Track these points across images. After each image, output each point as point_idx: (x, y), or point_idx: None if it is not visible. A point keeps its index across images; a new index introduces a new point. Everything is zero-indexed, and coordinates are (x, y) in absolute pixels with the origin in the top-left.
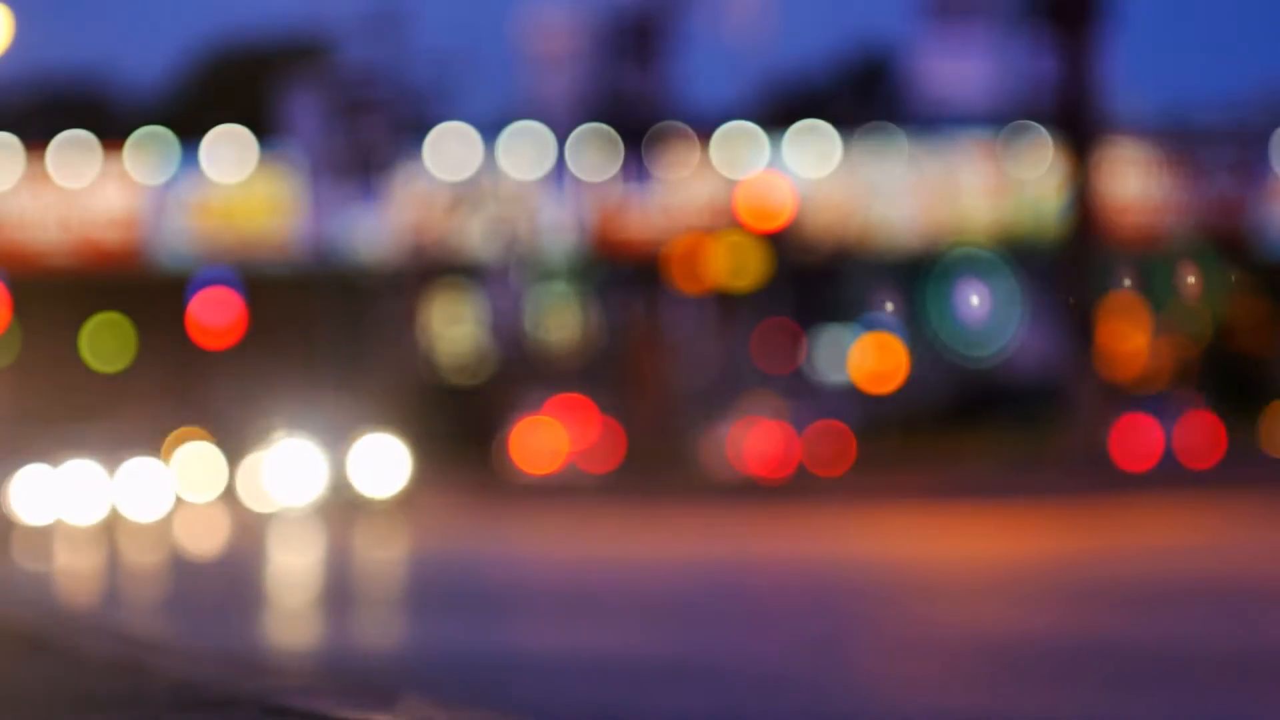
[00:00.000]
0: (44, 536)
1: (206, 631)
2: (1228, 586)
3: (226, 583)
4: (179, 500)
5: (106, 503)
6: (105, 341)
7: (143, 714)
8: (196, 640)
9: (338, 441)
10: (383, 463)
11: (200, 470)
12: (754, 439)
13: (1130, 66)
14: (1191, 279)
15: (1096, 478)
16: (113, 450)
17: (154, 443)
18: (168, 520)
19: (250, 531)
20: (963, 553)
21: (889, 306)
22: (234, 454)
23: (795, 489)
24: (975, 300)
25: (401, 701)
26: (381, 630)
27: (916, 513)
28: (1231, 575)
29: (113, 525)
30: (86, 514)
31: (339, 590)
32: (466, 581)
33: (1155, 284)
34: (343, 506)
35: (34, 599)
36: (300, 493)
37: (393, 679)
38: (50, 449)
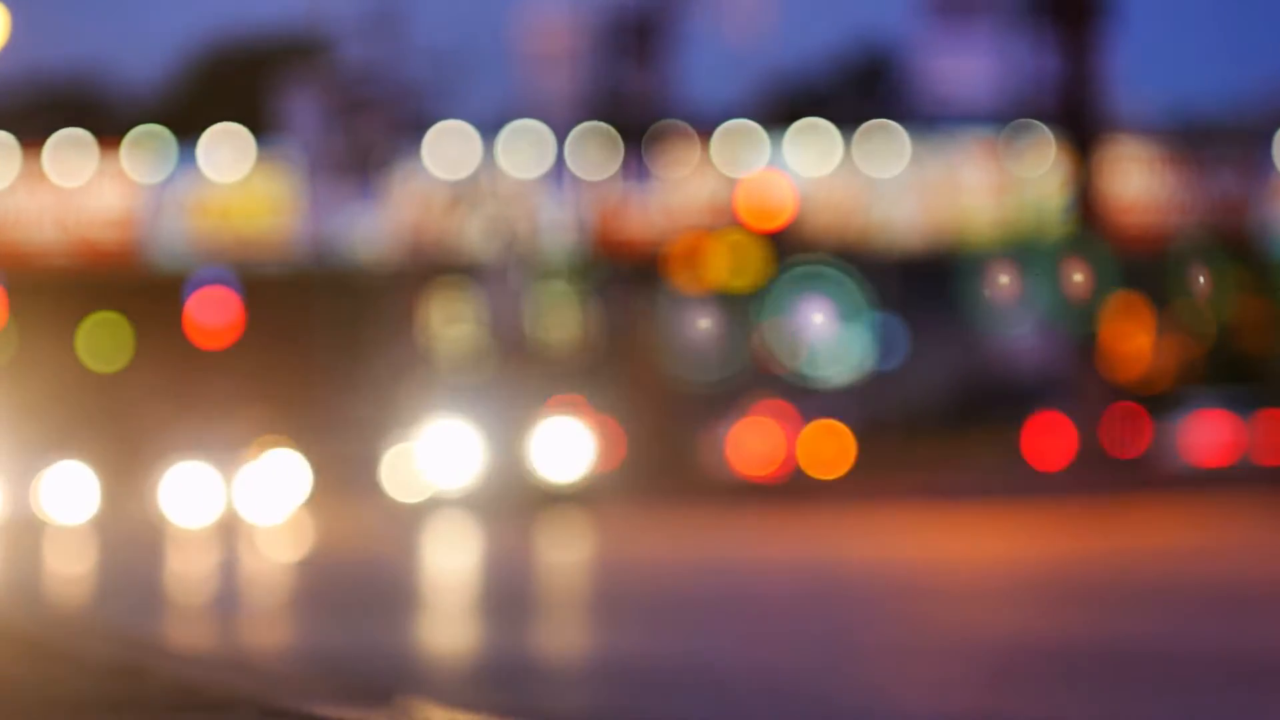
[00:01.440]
0: (77, 537)
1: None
2: (1234, 587)
3: (367, 584)
4: (300, 502)
5: (220, 504)
6: (102, 341)
7: (140, 717)
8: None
9: (511, 426)
10: (566, 448)
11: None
12: (754, 439)
13: (1133, 64)
14: (1195, 278)
15: (1100, 477)
16: (227, 451)
17: (261, 444)
18: (292, 522)
19: (400, 526)
20: (974, 554)
21: (703, 323)
22: (315, 457)
23: (795, 490)
24: (819, 318)
25: (399, 703)
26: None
27: (918, 514)
28: (1239, 576)
29: (230, 527)
30: (198, 516)
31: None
32: (470, 583)
33: (1159, 283)
34: (523, 494)
35: (46, 602)
36: (457, 479)
37: (396, 680)
38: (159, 450)
